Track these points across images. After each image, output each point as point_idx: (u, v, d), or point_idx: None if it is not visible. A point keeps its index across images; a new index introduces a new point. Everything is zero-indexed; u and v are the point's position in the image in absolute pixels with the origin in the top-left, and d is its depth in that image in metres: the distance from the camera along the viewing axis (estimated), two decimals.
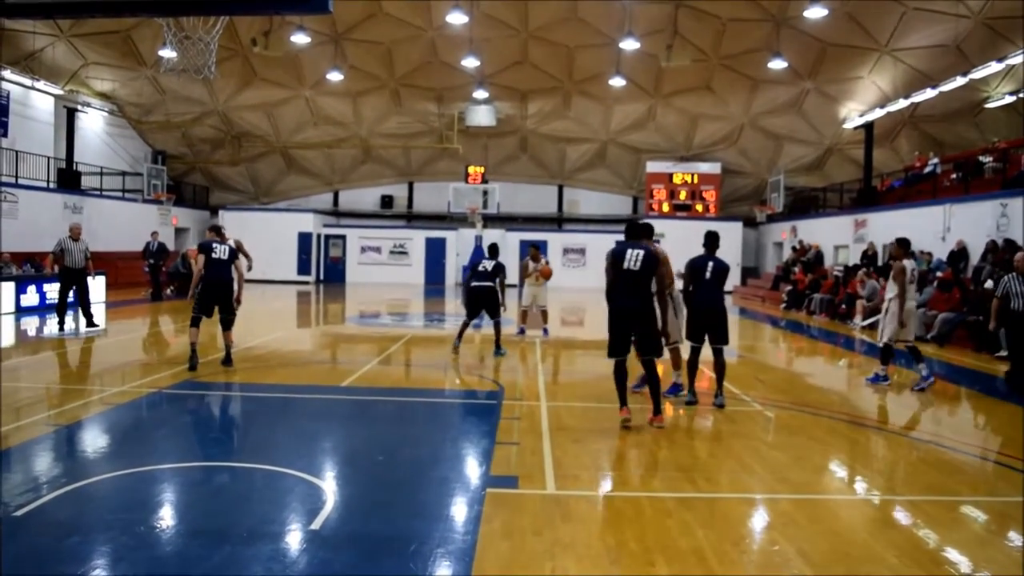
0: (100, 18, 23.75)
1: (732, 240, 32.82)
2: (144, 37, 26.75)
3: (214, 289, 10.73)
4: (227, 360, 10.82)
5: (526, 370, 11.61)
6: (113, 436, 7.43)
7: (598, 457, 6.80)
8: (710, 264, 8.79)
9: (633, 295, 7.67)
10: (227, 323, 10.92)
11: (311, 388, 9.84)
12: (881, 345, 10.73)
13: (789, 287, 25.62)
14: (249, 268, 11.59)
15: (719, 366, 8.87)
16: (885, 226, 23.89)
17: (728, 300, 8.97)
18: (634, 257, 7.69)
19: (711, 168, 33.78)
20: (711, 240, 9.11)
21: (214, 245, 10.80)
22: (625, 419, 7.62)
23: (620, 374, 7.78)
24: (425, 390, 10.36)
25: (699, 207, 33.88)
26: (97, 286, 21.77)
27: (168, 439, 7.39)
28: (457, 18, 22.86)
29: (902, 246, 10.77)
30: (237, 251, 11.08)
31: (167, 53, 12.59)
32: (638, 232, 8.12)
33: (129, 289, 24.06)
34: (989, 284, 15.55)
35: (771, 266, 32.79)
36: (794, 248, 29.38)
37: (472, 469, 6.43)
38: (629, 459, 6.81)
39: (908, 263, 10.53)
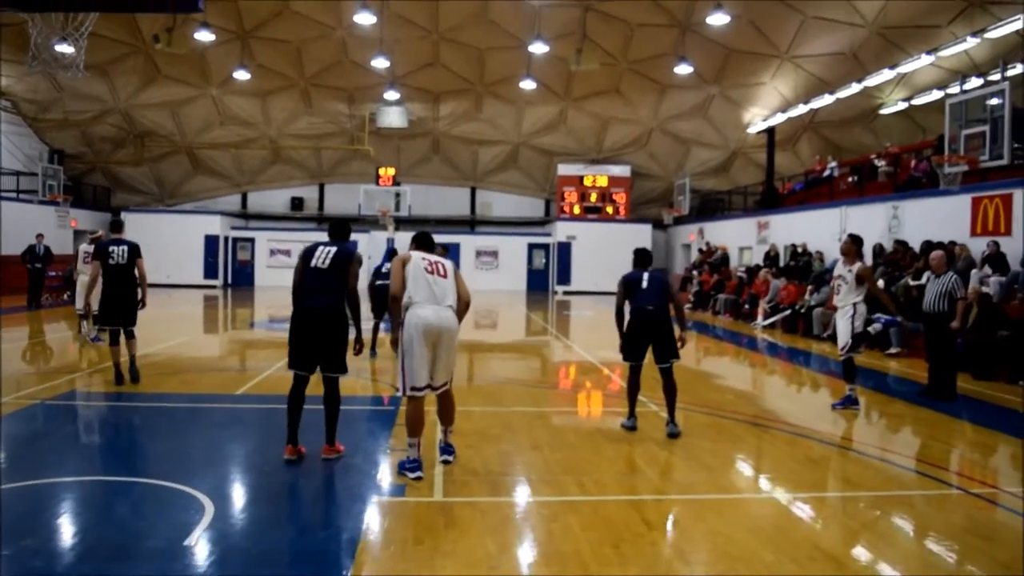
0: None
1: (642, 242, 33.22)
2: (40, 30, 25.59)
3: (114, 299, 9.73)
4: (134, 375, 9.87)
5: None
6: None
7: (489, 462, 6.77)
8: (645, 275, 8.04)
9: (319, 294, 6.57)
10: (130, 333, 9.96)
11: (204, 397, 9.55)
12: (843, 358, 9.47)
13: (695, 288, 26.15)
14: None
15: (669, 388, 7.91)
16: (786, 228, 24.62)
17: None
18: (324, 254, 6.67)
19: (621, 171, 34.28)
20: (642, 257, 8.35)
21: (111, 248, 9.72)
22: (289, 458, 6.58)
23: (294, 398, 6.71)
24: (321, 397, 10.13)
25: (609, 209, 34.35)
26: None
27: (43, 454, 7.03)
28: (365, 18, 22.57)
29: (857, 243, 9.54)
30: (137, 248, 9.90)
31: (64, 48, 12.03)
32: (340, 231, 6.99)
33: (22, 295, 22.93)
34: (881, 284, 16.14)
35: (680, 268, 33.40)
36: (700, 250, 30.01)
37: (360, 478, 6.30)
38: (520, 463, 6.80)
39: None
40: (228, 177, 35.18)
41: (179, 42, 25.64)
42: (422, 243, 6.69)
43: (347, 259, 6.66)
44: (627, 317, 8.06)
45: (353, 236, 26.25)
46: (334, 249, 6.69)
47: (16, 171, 29.64)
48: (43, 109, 30.47)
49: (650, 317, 7.89)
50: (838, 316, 9.69)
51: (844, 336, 9.44)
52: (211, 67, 29.19)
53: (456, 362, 6.76)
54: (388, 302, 6.58)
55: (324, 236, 7.16)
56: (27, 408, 8.67)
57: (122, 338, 9.93)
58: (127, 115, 31.31)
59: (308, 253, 6.72)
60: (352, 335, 6.75)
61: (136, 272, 9.84)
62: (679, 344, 7.97)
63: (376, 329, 13.21)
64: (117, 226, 10.46)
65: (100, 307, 9.92)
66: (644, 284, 7.99)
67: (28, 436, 7.74)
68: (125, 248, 9.73)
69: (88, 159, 33.49)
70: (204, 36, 24.18)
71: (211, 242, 33.56)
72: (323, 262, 6.61)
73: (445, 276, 6.41)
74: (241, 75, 28.24)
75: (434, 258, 6.49)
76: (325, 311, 6.54)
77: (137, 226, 32.14)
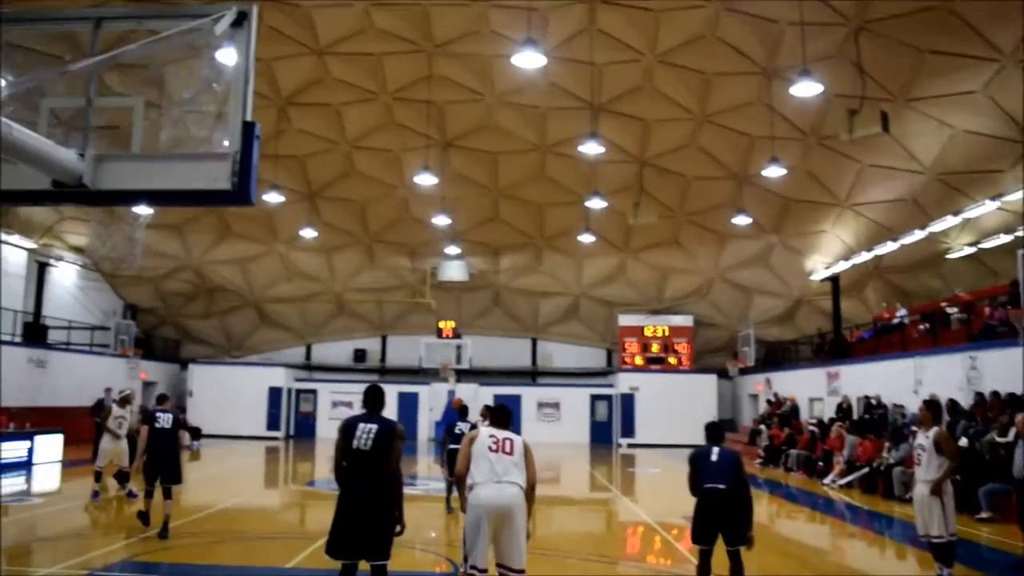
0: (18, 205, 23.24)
1: (707, 393, 32.66)
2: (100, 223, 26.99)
3: (158, 459, 10.80)
4: (164, 532, 10.38)
5: None
6: None
7: None
8: (715, 449, 7.60)
9: (363, 481, 6.28)
10: (168, 492, 10.70)
11: (254, 570, 9.20)
12: (944, 540, 8.38)
13: (765, 443, 25.18)
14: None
15: (735, 572, 7.26)
16: (857, 379, 23.80)
17: None
18: (365, 434, 6.34)
19: (683, 321, 33.95)
20: (714, 432, 7.89)
21: (157, 414, 11.00)
22: None
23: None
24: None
25: (672, 360, 33.82)
26: (53, 445, 21.14)
27: None
28: (426, 179, 23.33)
29: (931, 409, 8.91)
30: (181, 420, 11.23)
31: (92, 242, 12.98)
32: (377, 402, 6.64)
33: (87, 445, 23.05)
34: (964, 442, 15.26)
35: (747, 419, 32.41)
36: (769, 401, 29.12)
37: None
38: None
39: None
40: (293, 330, 35.87)
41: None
42: (496, 418, 6.85)
43: (390, 439, 6.39)
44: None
45: (414, 388, 26.26)
46: (375, 428, 6.40)
47: (91, 326, 30.70)
48: (125, 265, 31.75)
49: (721, 497, 7.28)
50: (923, 491, 8.56)
51: (939, 525, 8.33)
52: (279, 225, 30.28)
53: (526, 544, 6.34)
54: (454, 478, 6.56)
55: (381, 387, 6.88)
56: None
57: (159, 494, 10.66)
58: (199, 271, 32.43)
59: (348, 431, 6.42)
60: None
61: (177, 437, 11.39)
62: (747, 544, 7.29)
63: (450, 487, 13.02)
64: (163, 399, 11.91)
65: (145, 464, 10.88)
66: (714, 458, 7.49)
67: None
68: (170, 416, 11.14)
69: (160, 313, 34.59)
70: (273, 198, 25.18)
71: (275, 394, 33.82)
72: (365, 443, 6.33)
73: (511, 453, 6.39)
74: (308, 232, 29.17)
75: (503, 435, 6.52)
76: (370, 499, 6.26)
77: (204, 378, 32.98)
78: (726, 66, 22.01)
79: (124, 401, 14.86)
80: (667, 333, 33.90)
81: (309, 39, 22.04)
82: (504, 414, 6.85)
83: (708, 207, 27.80)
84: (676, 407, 31.77)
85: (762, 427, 26.81)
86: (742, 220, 25.90)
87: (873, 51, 19.43)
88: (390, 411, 35.22)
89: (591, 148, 21.30)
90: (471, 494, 6.22)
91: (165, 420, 10.98)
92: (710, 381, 33.08)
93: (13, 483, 17.18)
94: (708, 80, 22.77)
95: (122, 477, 14.47)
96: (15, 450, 19.90)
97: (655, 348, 33.90)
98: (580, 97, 23.49)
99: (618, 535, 13.43)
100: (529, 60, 16.19)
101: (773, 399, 28.79)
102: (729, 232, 28.72)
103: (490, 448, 6.33)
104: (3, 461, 19.13)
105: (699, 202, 27.71)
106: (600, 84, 22.94)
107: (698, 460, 7.59)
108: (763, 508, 15.99)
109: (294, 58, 22.74)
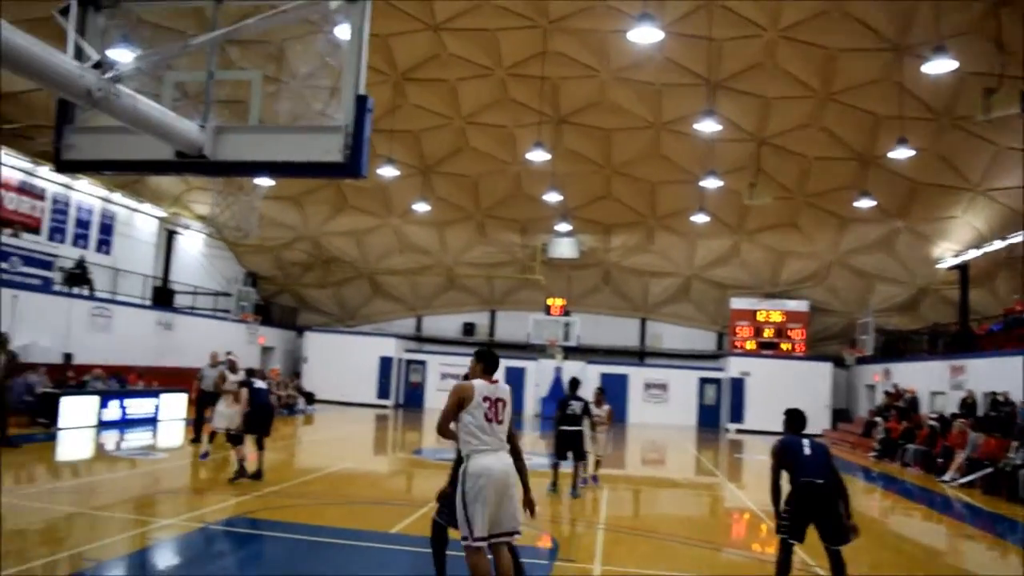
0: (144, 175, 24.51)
1: (822, 381, 31.73)
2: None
3: (259, 413, 12.57)
4: (258, 474, 12.38)
5: (587, 521, 11.04)
6: None
7: None
8: (805, 441, 7.13)
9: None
10: (262, 444, 12.75)
11: (357, 533, 9.45)
12: None
13: (881, 435, 24.22)
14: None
15: (839, 570, 6.83)
16: (984, 374, 22.55)
17: None
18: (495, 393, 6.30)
19: (798, 306, 32.92)
20: (797, 420, 7.38)
21: (253, 380, 12.92)
22: None
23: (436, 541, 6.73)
24: None
25: (785, 346, 32.88)
26: (178, 403, 22.31)
27: None
28: (539, 155, 23.31)
29: None
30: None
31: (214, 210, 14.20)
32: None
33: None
34: None
35: (863, 409, 31.26)
36: (887, 392, 27.97)
37: None
38: None
39: None
40: (404, 302, 36.64)
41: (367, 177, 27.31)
42: (486, 367, 6.32)
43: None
44: (785, 490, 7.07)
45: (521, 364, 26.32)
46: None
47: (215, 291, 32.17)
48: (243, 235, 33.06)
49: (820, 492, 6.87)
50: None
51: None
52: (394, 199, 30.89)
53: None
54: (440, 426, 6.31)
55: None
56: (195, 531, 8.93)
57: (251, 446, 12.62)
58: (316, 242, 33.47)
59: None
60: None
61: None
62: (853, 534, 6.88)
63: (555, 467, 12.98)
64: (254, 372, 13.67)
65: (247, 421, 12.48)
66: (807, 451, 7.04)
67: (185, 562, 7.90)
68: (264, 383, 13.38)
69: (279, 281, 35.93)
70: (388, 172, 25.65)
71: (385, 363, 34.67)
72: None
73: (502, 422, 6.12)
74: (421, 207, 29.65)
75: (495, 396, 6.13)
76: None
77: (318, 345, 34.13)
78: (852, 42, 21.12)
79: (232, 364, 15.24)
80: (781, 319, 32.95)
81: (426, 15, 22.24)
82: (494, 362, 6.39)
83: (829, 189, 26.83)
84: (788, 394, 30.63)
85: (878, 419, 25.79)
86: (865, 203, 24.81)
87: (1014, 27, 18.23)
88: None
89: (707, 126, 20.81)
90: (473, 461, 5.93)
91: (262, 384, 13.08)
92: (825, 369, 32.06)
93: (140, 438, 18.24)
94: (833, 57, 21.89)
95: (235, 439, 14.94)
96: (143, 407, 21.17)
97: (768, 333, 33.01)
98: (697, 73, 22.94)
99: (722, 521, 13.21)
100: (645, 35, 15.88)
101: (892, 390, 27.64)
102: (851, 215, 27.63)
103: (487, 418, 6.01)
104: (132, 416, 20.40)
105: (819, 183, 26.76)
106: (718, 60, 22.34)
107: (789, 453, 7.10)
108: (876, 503, 15.46)
109: (411, 34, 23.00)
